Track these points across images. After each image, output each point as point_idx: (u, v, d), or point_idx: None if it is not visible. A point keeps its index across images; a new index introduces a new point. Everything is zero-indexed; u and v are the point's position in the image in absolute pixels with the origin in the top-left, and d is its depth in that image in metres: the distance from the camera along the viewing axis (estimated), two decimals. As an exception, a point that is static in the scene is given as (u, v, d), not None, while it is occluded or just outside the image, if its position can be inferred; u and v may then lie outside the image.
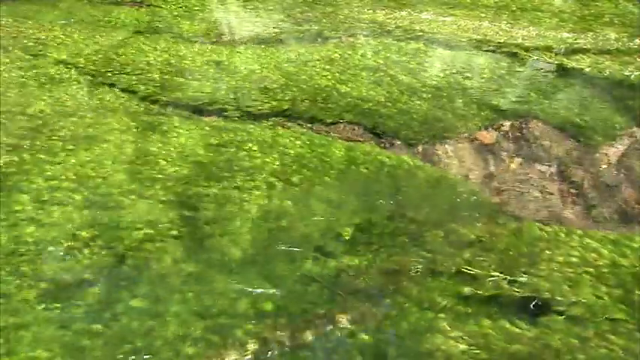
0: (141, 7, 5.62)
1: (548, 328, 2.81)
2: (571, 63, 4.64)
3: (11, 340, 2.65)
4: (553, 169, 3.95)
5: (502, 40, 4.89)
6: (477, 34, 4.97)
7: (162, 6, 5.51)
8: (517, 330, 2.81)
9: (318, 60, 4.68)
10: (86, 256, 3.10)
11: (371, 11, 5.29)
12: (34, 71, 4.53)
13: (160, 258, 3.14)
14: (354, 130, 4.23)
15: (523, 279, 3.03)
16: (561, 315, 2.86)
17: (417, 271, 3.12)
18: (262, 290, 3.02)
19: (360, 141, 4.13)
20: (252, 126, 4.15)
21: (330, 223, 3.40)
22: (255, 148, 3.91)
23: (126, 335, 2.72)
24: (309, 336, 2.84)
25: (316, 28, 5.11)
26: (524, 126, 4.27)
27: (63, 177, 3.60)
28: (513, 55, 4.76)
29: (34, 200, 3.42)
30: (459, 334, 2.81)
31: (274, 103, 4.34)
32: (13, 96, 4.25)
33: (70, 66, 4.64)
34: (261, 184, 3.62)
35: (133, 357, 2.68)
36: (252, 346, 2.77)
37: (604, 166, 3.95)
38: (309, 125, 4.23)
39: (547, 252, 3.18)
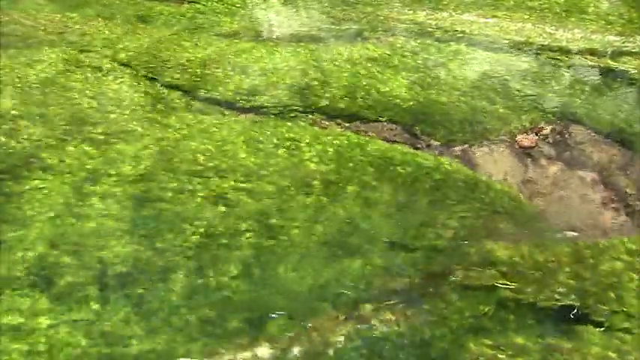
0: (182, 3, 5.69)
1: (586, 339, 2.76)
2: (617, 66, 4.54)
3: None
4: (595, 175, 3.87)
5: (546, 43, 4.79)
6: (519, 35, 4.89)
7: (204, 3, 5.56)
8: (555, 340, 2.77)
9: (357, 59, 4.68)
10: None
11: (411, 12, 5.24)
12: (79, 66, 4.63)
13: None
14: (391, 129, 4.22)
15: (563, 288, 2.98)
16: (600, 326, 2.81)
17: (456, 277, 3.10)
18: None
19: (397, 141, 4.11)
20: (290, 123, 4.18)
21: (366, 223, 3.40)
22: (293, 145, 3.93)
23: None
24: (344, 336, 2.85)
25: (356, 27, 5.10)
26: (565, 130, 4.19)
27: (103, 171, 3.68)
28: (557, 58, 4.66)
29: (76, 193, 3.51)
30: (497, 343, 2.78)
31: (313, 100, 4.35)
32: (58, 90, 4.36)
33: (113, 61, 4.73)
34: (299, 181, 3.64)
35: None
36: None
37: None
38: (346, 124, 4.24)
39: (589, 260, 3.12)
